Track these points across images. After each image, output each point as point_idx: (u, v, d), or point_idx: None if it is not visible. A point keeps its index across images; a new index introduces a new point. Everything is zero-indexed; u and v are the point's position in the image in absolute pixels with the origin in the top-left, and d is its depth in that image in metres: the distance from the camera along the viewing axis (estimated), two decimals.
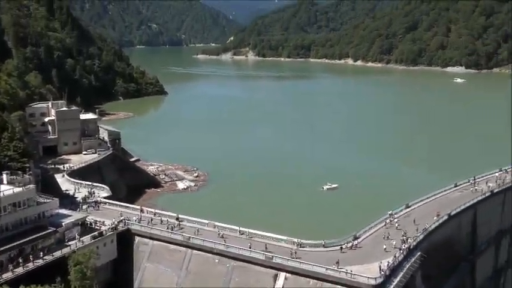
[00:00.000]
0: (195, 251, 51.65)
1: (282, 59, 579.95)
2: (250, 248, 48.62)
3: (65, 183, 75.49)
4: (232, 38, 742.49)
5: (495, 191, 65.46)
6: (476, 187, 67.08)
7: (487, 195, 63.83)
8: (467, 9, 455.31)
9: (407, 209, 58.82)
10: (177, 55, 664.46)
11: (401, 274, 43.13)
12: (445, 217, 55.67)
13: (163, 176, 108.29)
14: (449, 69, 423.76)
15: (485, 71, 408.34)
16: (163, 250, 53.56)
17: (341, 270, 43.56)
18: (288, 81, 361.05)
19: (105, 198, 68.26)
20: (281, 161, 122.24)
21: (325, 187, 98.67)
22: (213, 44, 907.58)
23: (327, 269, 43.89)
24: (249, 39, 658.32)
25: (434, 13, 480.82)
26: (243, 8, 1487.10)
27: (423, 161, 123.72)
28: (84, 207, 63.91)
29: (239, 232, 53.96)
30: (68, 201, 65.00)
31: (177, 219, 57.69)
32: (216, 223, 56.49)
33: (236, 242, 50.81)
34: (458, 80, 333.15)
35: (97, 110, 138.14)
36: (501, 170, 74.11)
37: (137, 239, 55.59)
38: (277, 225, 72.20)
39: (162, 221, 57.33)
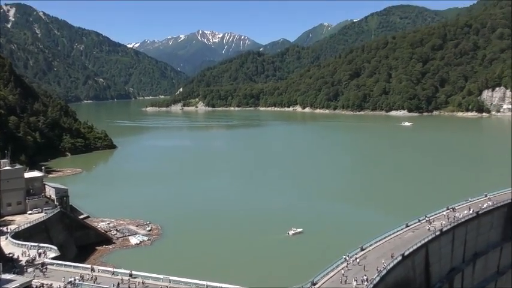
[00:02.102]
0: None
1: (232, 108, 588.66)
2: None
3: (8, 245, 71.67)
4: (181, 90, 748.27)
5: (444, 229, 67.17)
6: (427, 226, 68.67)
7: (437, 233, 65.35)
8: (404, 56, 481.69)
9: (362, 251, 59.27)
10: (126, 108, 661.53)
11: None
12: (399, 258, 56.41)
13: (115, 232, 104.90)
14: (393, 113, 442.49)
15: (426, 113, 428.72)
16: None
17: None
18: (239, 130, 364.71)
19: (53, 259, 65.10)
20: (238, 209, 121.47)
21: (290, 232, 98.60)
22: (162, 96, 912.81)
23: None
24: (198, 90, 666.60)
25: (375, 61, 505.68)
26: (190, 60, 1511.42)
27: (376, 202, 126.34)
28: (30, 270, 60.67)
29: (195, 286, 52.55)
30: (12, 264, 61.60)
31: (130, 275, 55.74)
32: (171, 277, 54.91)
33: None
34: (406, 123, 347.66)
35: (43, 168, 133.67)
36: (448, 209, 76.52)
37: None
38: (238, 275, 71.18)
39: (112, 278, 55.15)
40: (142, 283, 52.67)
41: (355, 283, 49.67)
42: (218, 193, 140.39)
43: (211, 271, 73.54)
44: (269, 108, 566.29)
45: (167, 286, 53.14)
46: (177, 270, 63.72)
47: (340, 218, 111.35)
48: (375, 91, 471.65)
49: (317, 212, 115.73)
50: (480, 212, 74.10)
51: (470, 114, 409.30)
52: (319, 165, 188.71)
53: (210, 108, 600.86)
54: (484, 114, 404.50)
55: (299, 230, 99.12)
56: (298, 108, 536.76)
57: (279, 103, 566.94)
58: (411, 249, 59.21)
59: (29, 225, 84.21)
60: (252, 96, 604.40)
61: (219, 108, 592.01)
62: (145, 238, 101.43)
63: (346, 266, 55.45)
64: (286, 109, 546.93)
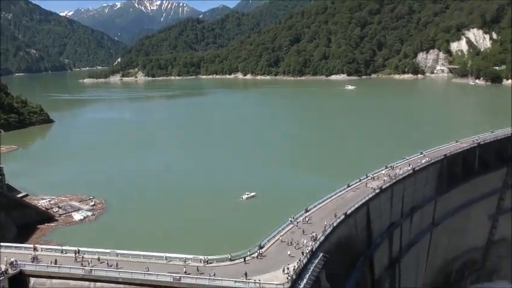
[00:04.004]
0: (98, 284, 49.13)
1: (173, 77, 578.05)
2: (156, 271, 47.34)
3: None
4: (119, 60, 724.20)
5: (383, 187, 70.03)
6: (368, 185, 71.25)
7: (377, 191, 68.05)
8: (343, 21, 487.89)
9: (307, 213, 60.88)
10: (62, 81, 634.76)
11: (307, 276, 44.44)
12: (342, 217, 58.44)
13: (57, 209, 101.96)
14: (333, 77, 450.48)
15: (365, 77, 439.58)
16: None
17: (249, 281, 43.92)
18: (181, 99, 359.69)
19: None
20: (187, 178, 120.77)
21: (244, 196, 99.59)
22: (100, 67, 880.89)
23: (235, 281, 44.04)
24: (137, 59, 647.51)
25: (315, 26, 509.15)
26: (128, 29, 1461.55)
27: (321, 165, 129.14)
28: None
29: (143, 257, 52.31)
30: None
31: (77, 252, 54.62)
32: (119, 251, 54.30)
33: (142, 267, 49.17)
34: (349, 87, 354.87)
35: None
36: (387, 167, 79.67)
37: (32, 280, 51.54)
38: (191, 244, 71.36)
39: (58, 257, 53.87)
40: (98, 259, 51.69)
41: (300, 243, 51.14)
42: (164, 164, 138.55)
43: (163, 242, 73.41)
44: (210, 76, 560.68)
45: (115, 259, 52.55)
46: (127, 244, 63.16)
47: (289, 181, 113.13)
48: (315, 56, 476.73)
49: (267, 177, 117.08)
50: (416, 169, 77.76)
51: (406, 76, 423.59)
52: (266, 132, 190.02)
53: (150, 78, 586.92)
54: (419, 75, 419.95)
55: (252, 194, 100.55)
56: (240, 75, 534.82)
57: (220, 71, 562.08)
58: (353, 208, 61.46)
59: None
60: (193, 65, 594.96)
61: (160, 78, 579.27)
62: (89, 213, 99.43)
63: (293, 228, 56.89)
64: (228, 76, 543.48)
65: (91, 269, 49.80)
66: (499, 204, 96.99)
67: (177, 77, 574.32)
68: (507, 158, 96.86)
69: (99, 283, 49.18)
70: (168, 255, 51.82)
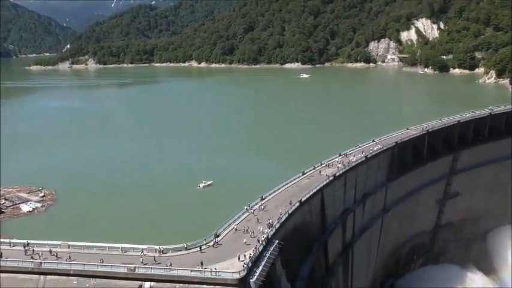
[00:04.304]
0: (48, 277, 47.61)
1: (125, 65, 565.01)
2: (110, 262, 46.39)
3: None
4: (68, 47, 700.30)
5: (337, 174, 71.22)
6: (322, 172, 72.21)
7: (331, 178, 69.11)
8: (297, 9, 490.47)
9: (263, 201, 61.14)
10: (7, 67, 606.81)
11: (263, 264, 44.70)
12: (297, 204, 59.04)
13: (3, 201, 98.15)
14: (287, 65, 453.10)
15: (319, 65, 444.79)
16: (12, 282, 48.46)
17: (205, 270, 43.79)
18: (133, 88, 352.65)
19: None
20: (142, 168, 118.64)
21: (201, 185, 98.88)
22: (48, 54, 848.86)
23: (191, 270, 43.79)
24: (87, 46, 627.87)
25: (269, 14, 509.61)
26: (77, 15, 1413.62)
27: (277, 153, 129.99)
28: None
29: (97, 248, 51.12)
30: None
31: (27, 245, 52.71)
32: (70, 242, 52.82)
33: (94, 258, 48.07)
34: (304, 75, 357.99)
35: None
36: (341, 155, 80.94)
37: None
38: (143, 234, 70.38)
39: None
40: (50, 252, 50.00)
41: (256, 231, 51.36)
42: (118, 154, 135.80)
43: (118, 233, 72.00)
44: (164, 64, 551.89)
45: (66, 252, 51.09)
46: (80, 236, 61.46)
47: (245, 169, 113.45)
48: (270, 44, 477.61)
49: (224, 165, 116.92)
50: (368, 156, 79.48)
51: (358, 64, 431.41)
52: (221, 120, 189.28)
53: (102, 66, 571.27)
54: (371, 64, 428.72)
55: (209, 182, 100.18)
56: (194, 64, 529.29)
57: (174, 59, 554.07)
58: (308, 195, 62.15)
59: None
60: (146, 52, 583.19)
61: (112, 66, 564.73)
62: (39, 205, 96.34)
63: (249, 216, 57.02)
64: (182, 64, 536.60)
65: (41, 262, 48.19)
66: (446, 189, 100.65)
67: (130, 65, 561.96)
68: (454, 145, 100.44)
69: (49, 276, 47.69)
70: (122, 246, 50.84)
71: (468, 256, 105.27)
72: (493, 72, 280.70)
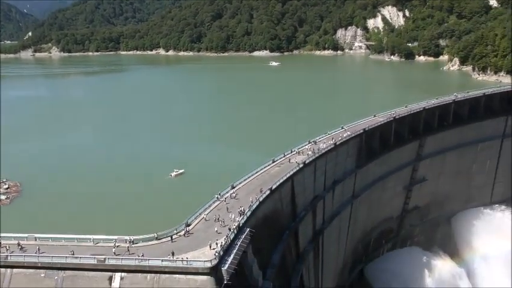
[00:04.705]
0: (15, 270, 46.59)
1: (91, 53, 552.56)
2: (81, 254, 45.66)
3: None
4: (30, 34, 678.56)
5: (307, 161, 71.75)
6: (292, 160, 72.59)
7: (300, 166, 69.61)
8: None
9: (233, 189, 61.17)
10: None
11: (234, 252, 44.84)
12: (268, 192, 59.32)
13: None
14: (256, 53, 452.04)
15: (287, 53, 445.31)
16: None
17: (177, 259, 43.65)
18: (100, 76, 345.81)
19: None
20: (111, 158, 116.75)
21: (172, 174, 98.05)
22: (8, 42, 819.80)
23: (162, 260, 43.59)
24: (50, 34, 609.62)
25: (237, 1, 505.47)
26: (38, 1, 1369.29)
27: (247, 141, 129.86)
28: None
29: (65, 240, 50.21)
30: None
31: None
32: (37, 235, 51.69)
33: (63, 250, 47.24)
34: (273, 63, 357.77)
35: None
36: (310, 142, 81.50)
37: None
38: (114, 225, 69.46)
39: None
40: (18, 245, 48.73)
41: (227, 220, 51.42)
42: (85, 144, 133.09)
43: (87, 224, 70.86)
44: (131, 52, 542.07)
45: (38, 245, 49.97)
46: (48, 227, 60.13)
47: (216, 158, 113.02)
48: (238, 32, 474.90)
49: (196, 154, 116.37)
50: (337, 143, 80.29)
51: (326, 52, 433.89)
52: (191, 108, 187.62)
53: (66, 54, 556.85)
54: (338, 52, 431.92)
55: (181, 171, 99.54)
56: (162, 52, 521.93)
57: (141, 47, 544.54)
58: (278, 183, 62.49)
59: None
60: (112, 40, 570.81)
61: (77, 54, 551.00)
62: (3, 197, 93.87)
63: (219, 204, 56.97)
64: (149, 52, 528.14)
65: (7, 255, 47.08)
66: (413, 175, 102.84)
67: (96, 53, 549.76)
68: (420, 132, 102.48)
69: (16, 269, 46.68)
70: (92, 237, 50.12)
71: (434, 239, 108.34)
72: (456, 60, 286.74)
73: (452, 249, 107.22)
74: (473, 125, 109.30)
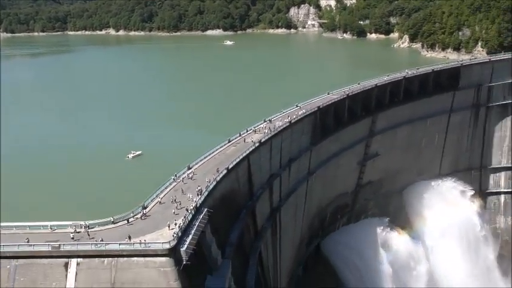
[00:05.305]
0: None
1: (36, 33, 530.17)
2: (36, 241, 44.41)
3: None
4: None
5: (262, 140, 72.08)
6: (248, 139, 72.73)
7: (256, 145, 69.88)
8: None
9: (190, 170, 60.86)
10: None
11: (192, 232, 44.81)
12: (224, 171, 59.37)
13: None
14: (209, 32, 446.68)
15: (240, 32, 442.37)
16: None
17: (135, 242, 43.27)
18: (47, 58, 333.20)
19: None
20: (65, 142, 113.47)
21: (130, 155, 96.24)
22: None
23: (120, 244, 43.10)
24: None
25: None
26: None
27: (202, 122, 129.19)
28: None
29: (16, 228, 48.72)
30: None
31: None
32: None
33: (16, 238, 45.86)
34: (228, 42, 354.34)
35: None
36: (265, 121, 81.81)
37: None
38: (70, 210, 68.05)
39: None
40: None
41: (184, 201, 51.29)
42: (37, 129, 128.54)
43: (41, 211, 69.11)
44: (79, 32, 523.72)
45: None
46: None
47: (174, 139, 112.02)
48: (190, 11, 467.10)
49: (152, 135, 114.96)
50: (292, 121, 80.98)
51: (280, 30, 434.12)
52: (145, 89, 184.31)
53: (9, 35, 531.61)
54: (292, 30, 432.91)
55: (138, 152, 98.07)
56: (112, 31, 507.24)
57: (89, 26, 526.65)
58: (234, 163, 62.61)
59: None
60: (59, 20, 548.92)
61: (21, 34, 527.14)
62: None
63: (176, 186, 56.68)
64: (99, 32, 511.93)
65: None
66: (366, 150, 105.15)
67: (42, 33, 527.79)
68: (372, 108, 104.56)
69: None
70: (44, 223, 48.83)
71: (387, 212, 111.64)
72: (406, 37, 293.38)
73: (404, 220, 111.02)
74: (422, 101, 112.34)
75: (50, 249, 43.85)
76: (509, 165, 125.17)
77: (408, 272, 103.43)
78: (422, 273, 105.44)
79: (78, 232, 46.56)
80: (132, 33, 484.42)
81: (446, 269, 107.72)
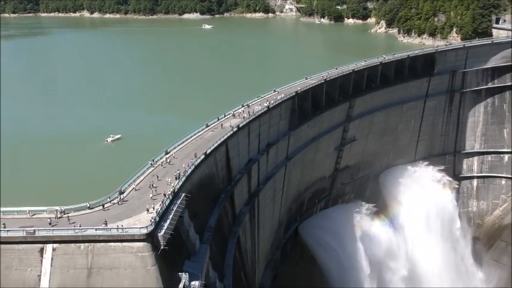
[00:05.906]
0: None
1: (7, 15, 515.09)
2: (10, 227, 43.58)
3: None
4: None
5: (241, 125, 71.88)
6: (226, 124, 72.43)
7: (234, 130, 69.64)
8: None
9: (167, 155, 60.40)
10: None
11: (170, 217, 44.58)
12: (202, 156, 59.07)
13: None
14: (186, 16, 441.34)
15: (218, 15, 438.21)
16: None
17: (111, 227, 42.85)
18: (18, 40, 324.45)
19: None
20: (41, 127, 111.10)
21: (109, 139, 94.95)
22: None
23: (96, 229, 42.63)
24: None
25: None
26: None
27: (180, 106, 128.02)
28: None
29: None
30: None
31: None
32: None
33: None
34: (206, 26, 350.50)
35: None
36: (243, 106, 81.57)
37: None
38: (47, 196, 66.86)
39: None
40: None
41: (162, 185, 50.94)
42: (13, 115, 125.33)
43: (17, 195, 67.71)
44: (52, 14, 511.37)
45: None
46: None
47: (153, 123, 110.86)
48: None
49: (131, 119, 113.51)
50: (270, 106, 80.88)
51: (257, 15, 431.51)
52: (122, 73, 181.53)
53: None
54: (269, 14, 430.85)
55: (117, 136, 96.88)
56: (86, 14, 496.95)
57: (63, 8, 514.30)
58: (212, 147, 62.33)
59: None
60: (30, 1, 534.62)
61: None
62: None
63: (154, 170, 56.21)
64: (72, 15, 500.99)
65: None
66: (343, 135, 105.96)
67: (13, 15, 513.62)
68: (349, 93, 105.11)
69: None
70: (18, 209, 47.93)
71: (363, 196, 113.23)
72: (383, 22, 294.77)
73: (380, 203, 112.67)
74: (399, 86, 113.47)
75: (25, 234, 43.13)
76: (482, 150, 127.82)
77: (384, 253, 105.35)
78: (398, 254, 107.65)
79: (60, 218, 45.91)
80: (107, 15, 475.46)
81: (422, 251, 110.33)
